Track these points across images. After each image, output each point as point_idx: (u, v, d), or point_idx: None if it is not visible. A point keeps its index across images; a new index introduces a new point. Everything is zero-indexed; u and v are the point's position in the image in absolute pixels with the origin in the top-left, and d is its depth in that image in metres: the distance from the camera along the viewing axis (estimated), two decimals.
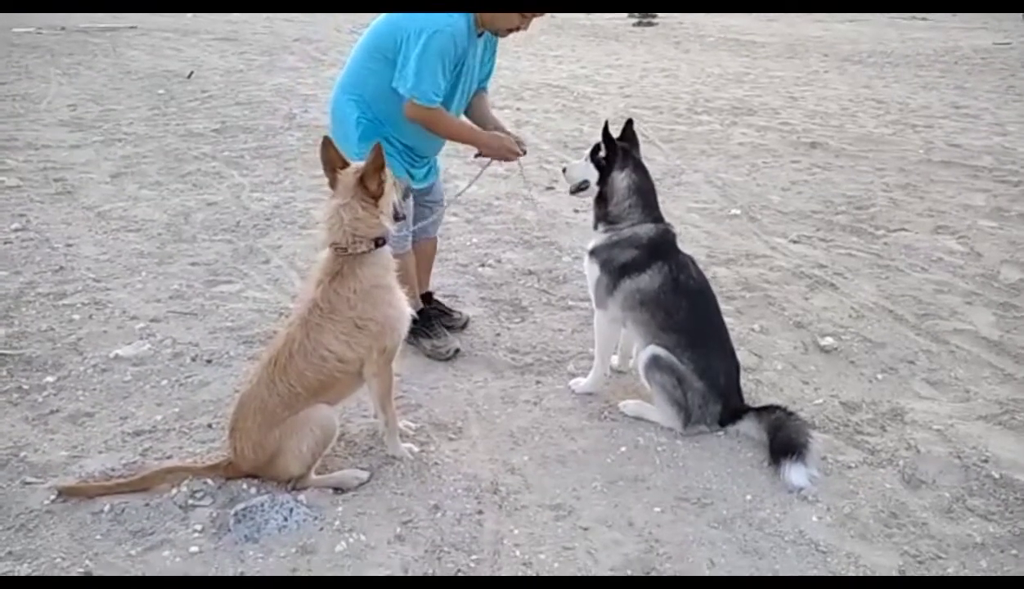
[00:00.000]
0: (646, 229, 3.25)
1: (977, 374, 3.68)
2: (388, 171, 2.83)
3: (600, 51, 14.93)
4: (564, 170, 3.52)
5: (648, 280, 3.16)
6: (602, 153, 3.30)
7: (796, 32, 18.54)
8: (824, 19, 21.68)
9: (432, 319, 3.88)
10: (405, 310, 2.90)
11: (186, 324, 3.98)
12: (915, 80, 11.93)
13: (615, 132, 3.32)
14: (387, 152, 3.43)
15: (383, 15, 3.53)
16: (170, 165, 6.88)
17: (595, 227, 3.37)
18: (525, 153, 3.64)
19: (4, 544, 2.45)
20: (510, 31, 3.51)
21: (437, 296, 4.16)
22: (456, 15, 3.34)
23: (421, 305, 3.86)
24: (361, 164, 2.76)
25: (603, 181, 3.31)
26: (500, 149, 3.57)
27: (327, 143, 2.80)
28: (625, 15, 20.33)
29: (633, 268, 3.18)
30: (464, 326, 4.03)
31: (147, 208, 5.75)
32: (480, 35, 3.50)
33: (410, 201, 3.51)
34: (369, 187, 2.73)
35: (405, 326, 2.92)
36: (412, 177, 3.64)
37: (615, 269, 3.22)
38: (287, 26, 17.84)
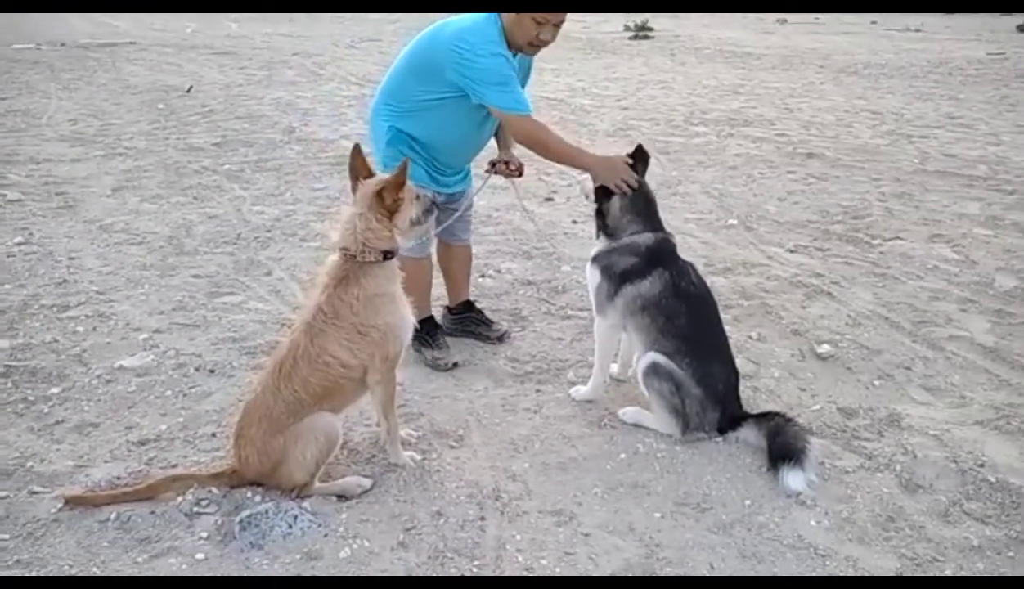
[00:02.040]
0: (645, 238, 3.29)
1: (973, 380, 3.72)
2: (410, 186, 2.89)
3: (597, 64, 15.01)
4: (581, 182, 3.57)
5: (649, 286, 3.20)
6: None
7: (791, 44, 18.66)
8: (819, 31, 21.83)
9: (436, 330, 3.93)
10: (408, 318, 2.95)
11: (189, 335, 4.01)
12: (910, 91, 12.02)
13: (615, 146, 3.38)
14: (413, 161, 3.47)
15: (430, 28, 3.54)
16: (171, 179, 6.92)
17: (597, 236, 3.43)
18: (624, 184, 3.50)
19: (12, 552, 2.48)
20: (531, 45, 3.42)
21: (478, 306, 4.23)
22: (493, 35, 3.36)
23: (428, 313, 3.92)
24: (384, 177, 2.83)
25: (599, 200, 3.37)
26: (614, 175, 3.31)
27: (356, 151, 2.87)
28: (621, 28, 20.44)
29: (634, 274, 3.22)
30: (501, 338, 4.05)
31: (148, 221, 5.79)
32: (515, 55, 3.48)
33: (433, 218, 3.48)
34: (385, 200, 2.79)
35: (408, 334, 2.97)
36: (439, 183, 3.67)
37: (616, 275, 3.26)
38: (285, 41, 17.93)
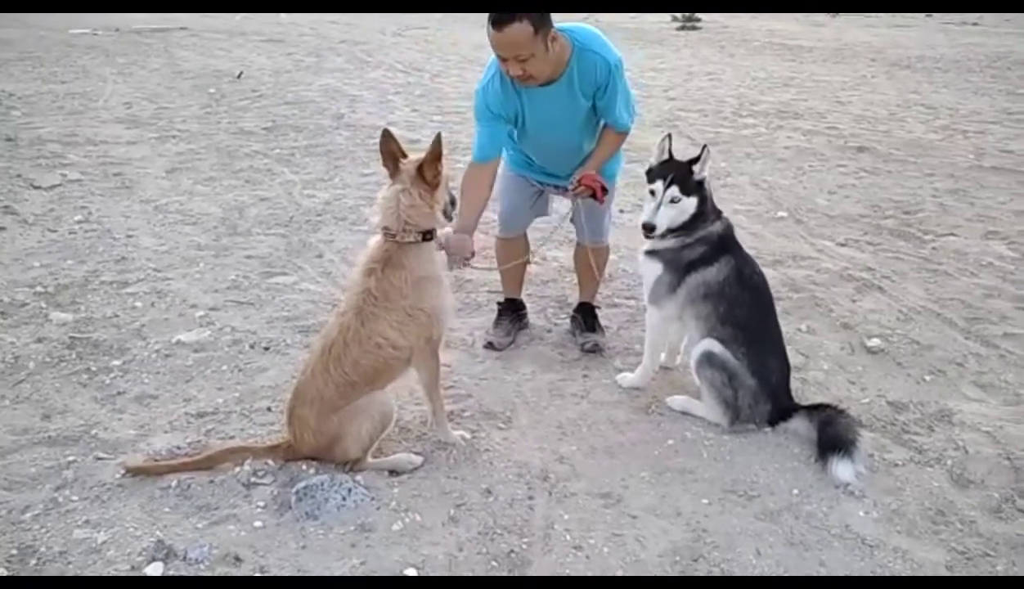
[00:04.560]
0: (717, 226, 3.26)
1: None
2: (446, 172, 2.93)
3: (644, 54, 14.91)
4: (650, 227, 3.20)
5: (715, 272, 3.17)
6: (697, 176, 3.17)
7: (843, 37, 18.35)
8: (872, 24, 21.42)
9: (504, 313, 3.99)
10: (449, 302, 3.03)
11: (243, 313, 4.11)
12: (965, 85, 11.76)
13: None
14: (512, 149, 3.69)
15: None
16: (223, 161, 7.05)
17: (662, 236, 3.25)
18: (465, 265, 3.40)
19: (82, 513, 2.59)
20: (502, 60, 3.20)
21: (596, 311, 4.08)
22: (493, 67, 3.36)
23: (511, 295, 4.05)
24: (421, 155, 2.87)
25: (702, 202, 3.22)
26: (456, 251, 3.27)
27: (386, 135, 2.91)
28: (668, 19, 20.26)
29: (701, 262, 3.19)
30: (583, 348, 3.85)
31: (202, 202, 5.92)
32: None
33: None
34: (427, 176, 2.84)
35: (450, 317, 3.06)
36: (537, 172, 3.74)
37: (682, 266, 3.21)
38: (332, 28, 18.10)
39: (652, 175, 3.23)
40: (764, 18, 22.18)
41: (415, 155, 2.92)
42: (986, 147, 8.02)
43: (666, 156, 3.25)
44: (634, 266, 4.53)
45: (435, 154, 2.84)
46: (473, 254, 3.37)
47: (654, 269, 3.30)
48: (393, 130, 2.94)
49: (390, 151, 2.90)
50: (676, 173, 3.18)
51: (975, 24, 20.90)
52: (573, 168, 3.56)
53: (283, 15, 20.49)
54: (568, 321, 4.11)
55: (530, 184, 3.80)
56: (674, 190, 3.16)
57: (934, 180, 6.87)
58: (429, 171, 2.85)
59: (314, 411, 2.78)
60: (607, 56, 3.33)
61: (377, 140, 2.95)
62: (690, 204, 3.18)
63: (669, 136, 3.26)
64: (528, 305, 4.20)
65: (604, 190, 3.48)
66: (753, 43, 17.05)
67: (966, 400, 3.49)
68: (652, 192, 3.20)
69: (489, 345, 3.84)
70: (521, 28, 3.04)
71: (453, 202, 3.10)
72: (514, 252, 3.91)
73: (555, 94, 3.37)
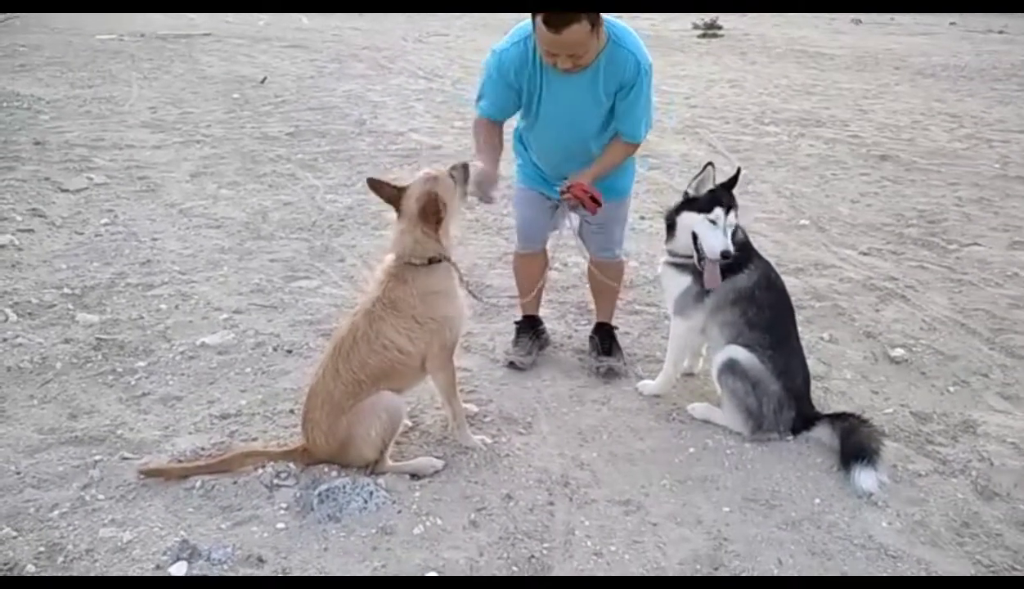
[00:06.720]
0: (740, 233, 3.27)
1: None
2: (451, 188, 2.92)
3: (665, 61, 14.86)
4: (729, 254, 3.11)
5: (746, 278, 3.17)
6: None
7: (865, 44, 18.22)
8: (895, 31, 21.26)
9: (523, 331, 3.86)
10: (463, 310, 3.05)
11: (267, 316, 4.15)
12: (991, 94, 11.64)
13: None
14: (524, 160, 3.63)
15: None
16: (247, 166, 7.11)
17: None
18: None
19: (108, 512, 2.63)
20: (549, 54, 3.10)
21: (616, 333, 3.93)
22: (519, 36, 3.25)
23: (529, 312, 3.93)
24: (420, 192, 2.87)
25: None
26: (482, 179, 3.10)
27: (372, 184, 2.93)
28: (689, 26, 20.20)
29: (731, 269, 3.16)
30: (598, 372, 3.69)
31: (226, 206, 5.97)
32: (538, 65, 3.24)
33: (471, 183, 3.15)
34: (429, 218, 2.85)
35: (463, 324, 3.08)
36: (550, 187, 3.57)
37: None
38: (354, 35, 18.19)
39: (707, 204, 3.15)
40: (786, 26, 22.07)
41: (416, 190, 2.88)
42: (1011, 156, 7.94)
43: (711, 185, 3.19)
44: (653, 273, 4.55)
45: (430, 211, 2.83)
46: (495, 184, 3.16)
47: (682, 281, 3.28)
48: (411, 141, 2.95)
49: (386, 195, 2.92)
50: (729, 197, 3.18)
51: (1000, 32, 20.69)
52: (569, 166, 3.40)
53: (306, 20, 20.66)
54: (589, 327, 4.10)
55: (546, 198, 3.66)
56: (732, 215, 3.17)
57: (958, 189, 6.81)
58: (431, 215, 2.85)
59: (324, 412, 2.81)
60: (639, 56, 3.26)
61: (399, 146, 2.96)
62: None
63: (712, 165, 3.22)
64: (548, 311, 4.19)
65: (595, 200, 3.25)
66: (775, 51, 16.97)
67: (991, 411, 3.46)
68: (713, 221, 3.13)
69: (511, 365, 3.73)
70: (580, 28, 2.97)
71: (466, 168, 2.99)
72: (533, 268, 3.84)
73: (576, 82, 3.24)
